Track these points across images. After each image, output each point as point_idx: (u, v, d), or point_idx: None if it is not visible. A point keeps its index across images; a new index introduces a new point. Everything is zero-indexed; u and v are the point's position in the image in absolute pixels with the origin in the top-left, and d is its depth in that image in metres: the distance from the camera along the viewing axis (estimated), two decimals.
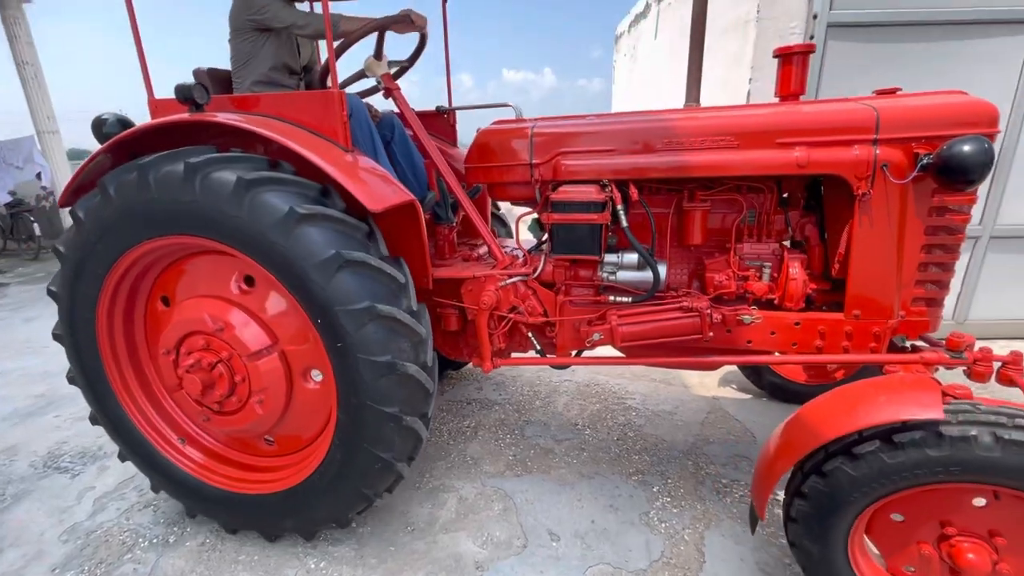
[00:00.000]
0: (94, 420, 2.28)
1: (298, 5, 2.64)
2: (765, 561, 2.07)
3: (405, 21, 2.37)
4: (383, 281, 1.83)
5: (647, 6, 6.61)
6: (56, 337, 2.16)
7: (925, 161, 1.76)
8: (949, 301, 3.95)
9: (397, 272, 1.88)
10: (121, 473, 2.73)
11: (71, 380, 2.24)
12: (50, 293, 2.10)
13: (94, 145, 2.07)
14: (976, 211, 3.72)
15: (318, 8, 2.85)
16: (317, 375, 2.06)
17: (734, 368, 3.72)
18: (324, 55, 3.12)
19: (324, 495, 2.04)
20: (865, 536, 1.71)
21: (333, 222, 1.78)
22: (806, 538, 1.67)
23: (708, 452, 2.79)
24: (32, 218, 8.43)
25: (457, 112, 3.06)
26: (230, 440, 2.32)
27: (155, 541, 2.27)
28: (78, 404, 3.48)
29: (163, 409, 2.28)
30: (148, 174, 1.76)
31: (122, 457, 2.32)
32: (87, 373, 2.16)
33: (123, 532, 2.33)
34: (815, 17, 3.34)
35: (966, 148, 1.68)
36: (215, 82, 2.51)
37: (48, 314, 5.57)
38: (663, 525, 2.28)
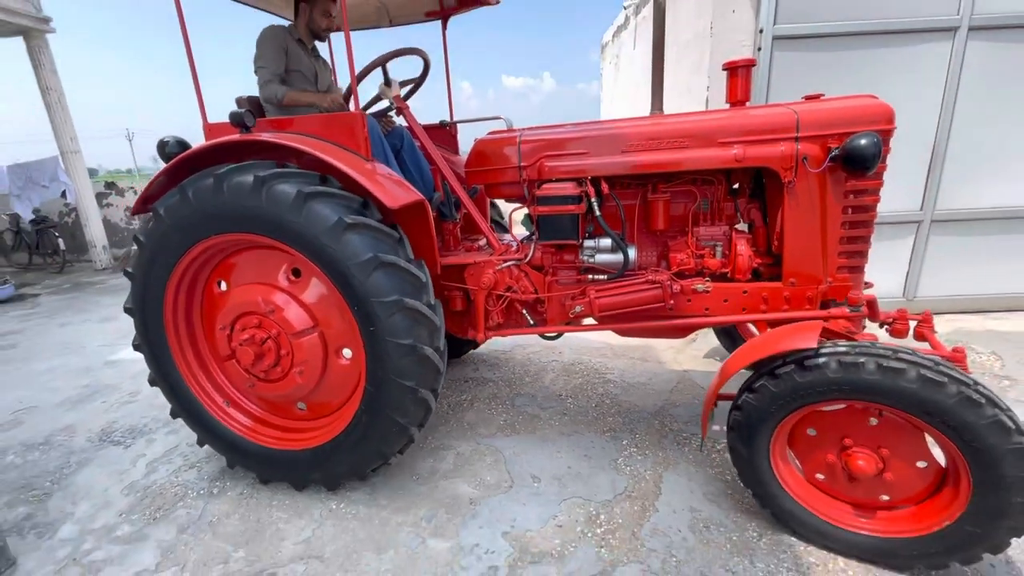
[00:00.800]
0: (153, 382, 2.71)
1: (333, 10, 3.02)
2: (711, 492, 2.48)
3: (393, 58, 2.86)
4: (409, 279, 2.23)
5: (627, 19, 7.07)
6: (127, 310, 2.60)
7: (834, 153, 2.17)
8: (898, 280, 4.39)
9: (420, 272, 2.28)
10: (167, 443, 3.17)
11: (136, 347, 2.66)
12: (127, 274, 2.55)
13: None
14: (917, 199, 4.16)
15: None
16: (348, 352, 2.48)
17: (705, 346, 4.14)
18: (341, 80, 3.61)
19: (348, 453, 2.45)
20: (788, 448, 2.13)
21: (372, 230, 2.19)
22: (739, 442, 2.09)
23: (673, 413, 3.21)
24: (57, 233, 8.96)
25: (457, 124, 3.55)
26: (268, 404, 2.75)
27: (202, 492, 2.70)
28: (121, 391, 3.95)
29: (212, 376, 2.71)
30: (223, 182, 2.18)
31: (174, 414, 2.74)
32: (151, 342, 2.59)
33: (174, 487, 2.76)
34: (761, 31, 3.78)
35: (862, 142, 2.07)
36: (252, 106, 2.95)
37: (79, 320, 6.06)
38: (628, 468, 2.69)
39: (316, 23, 2.98)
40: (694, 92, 4.29)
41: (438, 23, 3.43)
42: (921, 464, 1.91)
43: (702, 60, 4.10)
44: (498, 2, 3.24)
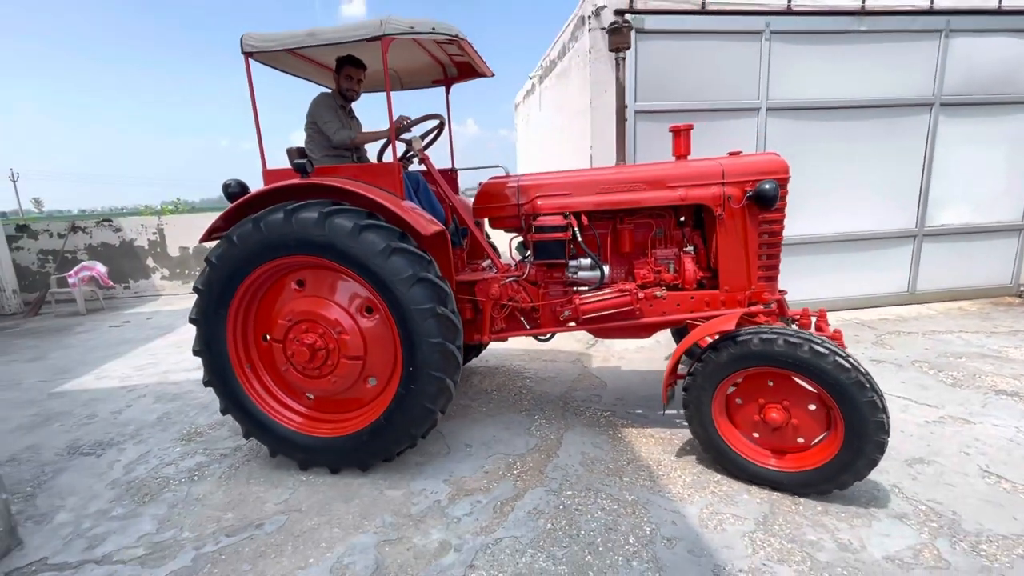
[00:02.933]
0: (208, 383, 3.15)
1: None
2: (597, 442, 3.36)
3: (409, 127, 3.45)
4: (439, 292, 2.80)
5: (533, 86, 8.40)
6: (192, 320, 3.05)
7: (749, 194, 2.98)
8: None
9: (446, 286, 2.86)
10: (139, 450, 3.56)
11: (196, 353, 3.10)
12: (196, 290, 3.00)
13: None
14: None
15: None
16: (373, 381, 3.06)
17: (603, 351, 5.12)
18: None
19: (383, 437, 2.95)
20: (728, 420, 2.82)
21: (411, 254, 2.76)
22: (691, 401, 2.81)
23: (574, 395, 4.11)
24: None
25: (460, 170, 4.21)
26: (284, 385, 3.22)
27: (183, 480, 3.16)
28: (76, 415, 4.22)
29: (261, 378, 3.22)
30: (291, 216, 2.75)
31: (224, 411, 3.16)
32: (211, 348, 3.05)
33: (155, 479, 3.19)
34: (626, 107, 5.04)
35: (767, 187, 2.89)
36: (300, 156, 3.51)
37: (4, 361, 5.98)
38: (538, 432, 3.53)
39: (342, 86, 3.57)
40: (581, 151, 5.47)
41: (442, 89, 4.15)
42: (811, 407, 2.61)
43: (586, 127, 5.29)
44: (492, 74, 3.93)
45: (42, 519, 2.85)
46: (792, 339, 2.50)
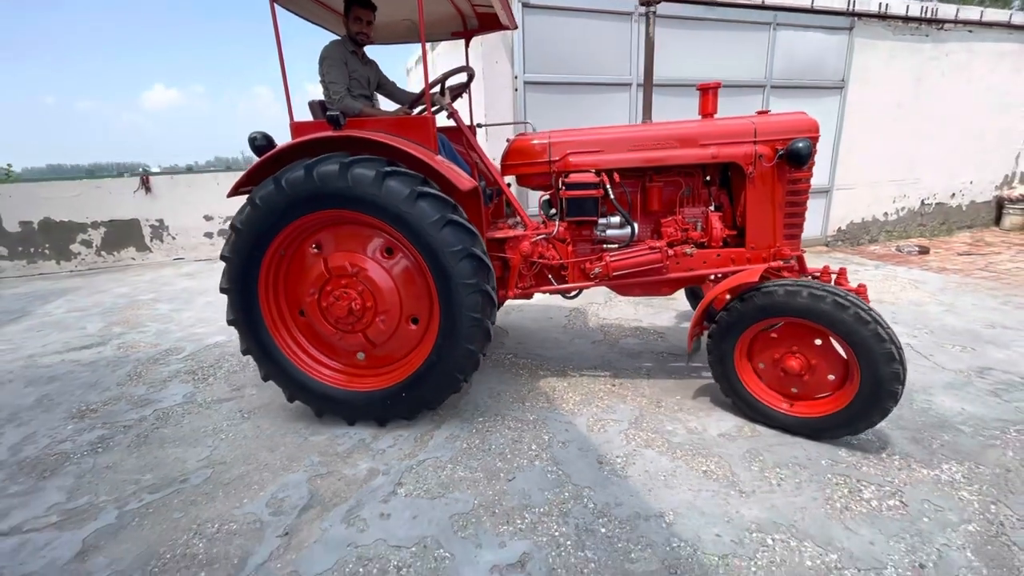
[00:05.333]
0: (246, 351, 3.12)
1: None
2: (502, 379, 3.81)
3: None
4: (468, 234, 2.76)
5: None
6: (223, 290, 2.97)
7: (780, 153, 2.95)
8: None
9: (474, 227, 2.81)
10: (22, 432, 3.32)
11: (231, 322, 3.05)
12: (223, 258, 2.92)
13: None
14: None
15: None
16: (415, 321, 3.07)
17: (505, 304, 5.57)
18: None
19: (427, 384, 3.00)
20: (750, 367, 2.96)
21: (436, 198, 2.72)
22: (714, 347, 2.96)
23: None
24: None
25: (486, 126, 4.25)
26: (328, 348, 3.24)
27: (85, 453, 3.04)
28: None
29: (297, 339, 3.20)
30: (312, 171, 2.67)
31: (265, 377, 3.17)
32: (247, 316, 3.02)
33: (51, 456, 3.01)
34: (516, 77, 5.41)
35: (800, 145, 2.84)
36: (323, 109, 3.35)
37: None
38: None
39: (352, 30, 3.40)
40: (476, 115, 5.76)
41: (462, 41, 4.06)
42: (830, 356, 2.70)
43: (478, 94, 5.58)
44: (516, 26, 3.78)
45: None
46: (816, 291, 2.58)
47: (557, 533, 2.27)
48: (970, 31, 7.88)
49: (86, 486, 2.75)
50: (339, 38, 3.55)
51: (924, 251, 7.49)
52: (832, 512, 2.32)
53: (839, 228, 8.09)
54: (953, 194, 8.86)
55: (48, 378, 4.18)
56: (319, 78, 3.41)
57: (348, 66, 3.44)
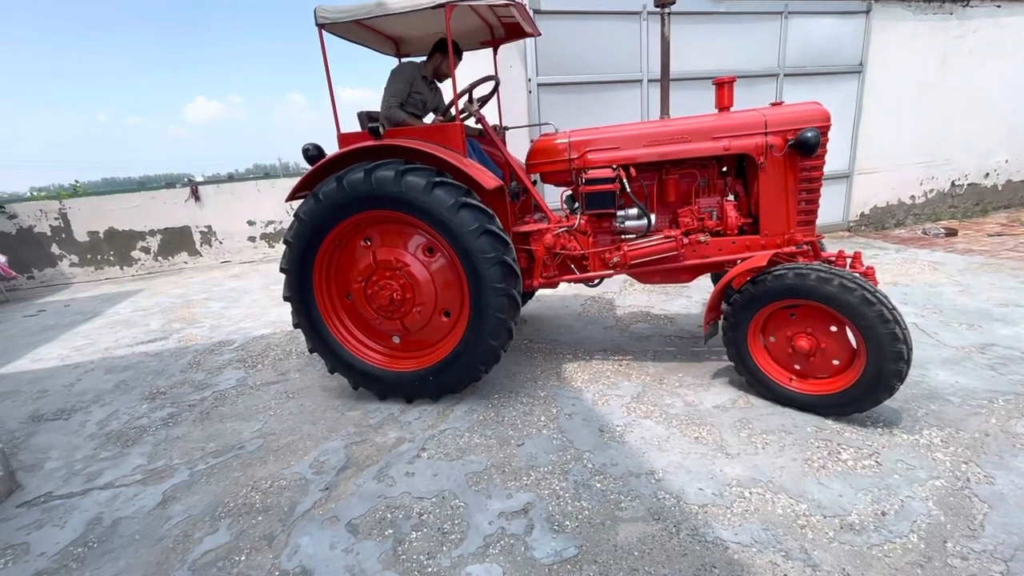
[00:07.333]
0: (297, 325, 3.52)
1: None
2: (518, 361, 4.14)
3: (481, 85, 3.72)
4: (502, 242, 3.07)
5: None
6: (283, 270, 3.38)
7: (791, 142, 3.06)
8: None
9: (508, 237, 3.13)
10: (107, 411, 3.88)
11: (286, 298, 3.45)
12: (286, 242, 3.33)
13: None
14: None
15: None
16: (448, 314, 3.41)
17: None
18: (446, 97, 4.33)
19: (453, 372, 3.34)
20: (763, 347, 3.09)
21: (476, 208, 3.04)
22: (728, 328, 3.09)
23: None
24: None
25: (508, 128, 4.61)
26: (369, 330, 3.62)
27: (159, 428, 3.56)
28: (25, 393, 4.38)
29: (343, 320, 3.60)
30: (371, 174, 3.05)
31: (312, 350, 3.58)
32: (301, 294, 3.41)
33: (131, 430, 3.56)
34: (530, 79, 5.71)
35: (809, 135, 2.95)
36: (371, 119, 3.65)
37: None
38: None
39: (440, 73, 3.96)
40: (492, 116, 6.09)
41: (490, 50, 4.46)
42: (838, 336, 2.82)
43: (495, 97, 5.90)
44: (539, 34, 4.02)
45: (32, 468, 3.19)
46: (824, 274, 2.69)
47: (557, 487, 2.59)
48: (999, 6, 7.66)
49: (162, 452, 3.25)
50: (417, 61, 3.97)
51: (951, 233, 7.37)
52: (809, 470, 2.55)
53: (861, 213, 8.03)
54: (987, 174, 8.62)
55: (123, 367, 4.78)
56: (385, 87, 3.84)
57: (413, 86, 3.82)
